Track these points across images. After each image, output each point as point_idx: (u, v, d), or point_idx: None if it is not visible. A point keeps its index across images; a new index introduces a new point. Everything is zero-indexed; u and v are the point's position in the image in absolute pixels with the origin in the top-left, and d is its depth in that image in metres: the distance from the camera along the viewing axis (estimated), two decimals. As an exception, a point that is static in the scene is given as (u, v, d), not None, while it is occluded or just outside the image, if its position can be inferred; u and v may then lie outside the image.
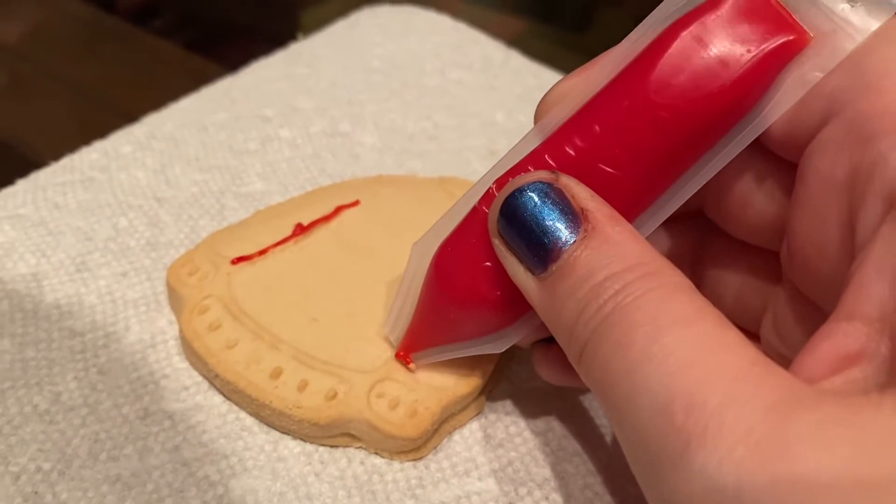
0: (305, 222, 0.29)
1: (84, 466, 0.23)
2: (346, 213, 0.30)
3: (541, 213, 0.19)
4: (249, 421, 0.25)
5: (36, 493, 0.22)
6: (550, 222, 0.19)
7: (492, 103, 0.41)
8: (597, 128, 0.20)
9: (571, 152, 0.20)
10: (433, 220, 0.29)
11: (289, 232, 0.29)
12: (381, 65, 0.43)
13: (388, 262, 0.28)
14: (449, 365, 0.25)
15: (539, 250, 0.19)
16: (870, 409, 0.15)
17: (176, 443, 0.24)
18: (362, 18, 0.46)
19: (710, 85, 0.19)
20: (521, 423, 0.26)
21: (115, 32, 0.51)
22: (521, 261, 0.20)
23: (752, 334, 0.23)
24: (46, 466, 0.23)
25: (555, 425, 0.26)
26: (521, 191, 0.19)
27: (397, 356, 0.25)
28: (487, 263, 0.21)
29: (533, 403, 0.26)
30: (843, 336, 0.17)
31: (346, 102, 0.39)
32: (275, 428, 0.25)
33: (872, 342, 0.16)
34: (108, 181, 0.32)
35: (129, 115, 0.36)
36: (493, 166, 0.22)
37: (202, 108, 0.37)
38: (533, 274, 0.19)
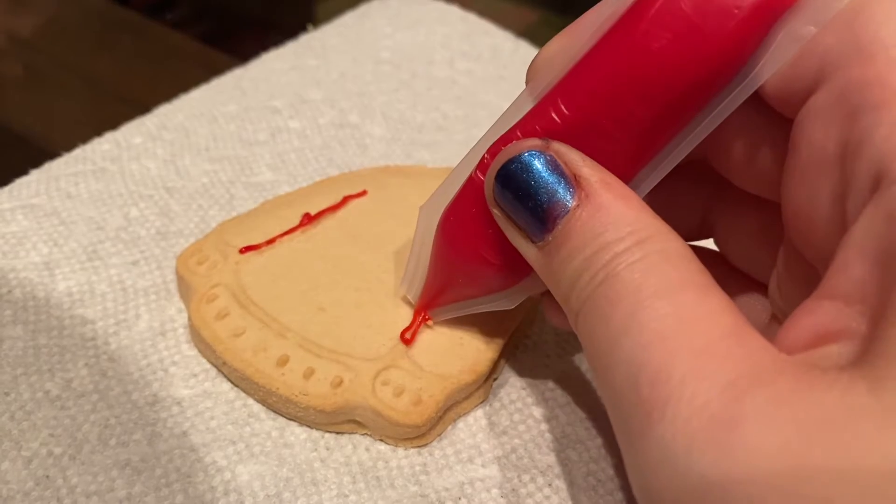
0: (313, 212, 0.29)
1: (94, 451, 0.23)
2: (353, 204, 0.30)
3: (534, 181, 0.19)
4: (256, 408, 0.25)
5: (47, 476, 0.23)
6: (544, 191, 0.19)
7: (501, 94, 0.41)
8: (584, 92, 0.19)
9: (558, 119, 0.20)
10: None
11: (297, 222, 0.29)
12: (391, 56, 0.43)
13: (395, 251, 0.28)
14: (454, 353, 0.25)
15: (535, 219, 0.19)
16: (822, 387, 0.15)
17: (184, 428, 0.24)
18: (372, 9, 0.46)
19: (700, 42, 0.18)
20: (524, 412, 0.26)
21: (129, 25, 0.51)
22: (519, 228, 0.20)
23: (764, 286, 0.23)
24: (58, 451, 0.23)
25: (558, 413, 0.26)
26: (513, 160, 0.20)
27: (416, 314, 0.26)
28: (489, 230, 0.21)
29: (537, 392, 0.27)
30: (824, 314, 0.17)
31: (355, 93, 0.40)
32: (281, 414, 0.25)
33: (853, 322, 0.16)
34: (120, 171, 0.33)
35: (142, 106, 0.37)
36: (488, 131, 0.21)
37: (213, 99, 0.38)
38: (532, 242, 0.20)
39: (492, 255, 0.22)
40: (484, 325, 0.26)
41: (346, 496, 0.23)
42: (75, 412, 0.24)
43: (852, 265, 0.16)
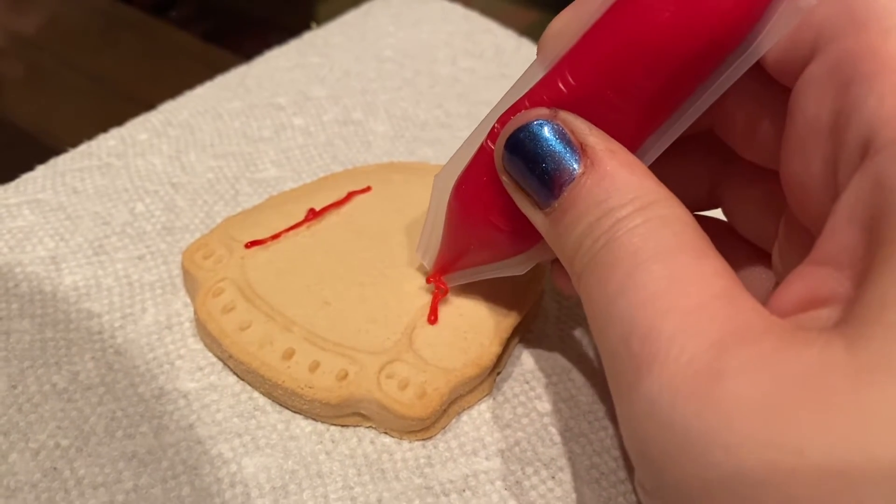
0: (318, 208, 0.29)
1: (101, 443, 0.23)
2: (357, 199, 0.30)
3: (541, 149, 0.20)
4: (262, 400, 0.25)
5: (55, 468, 0.23)
6: (551, 158, 0.20)
7: (503, 92, 0.41)
8: (589, 63, 0.20)
9: (565, 89, 0.20)
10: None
11: (301, 217, 0.29)
12: (394, 54, 0.43)
13: (399, 247, 0.28)
14: (458, 347, 0.25)
15: (542, 186, 0.20)
16: (802, 345, 0.16)
17: (190, 421, 0.24)
18: (375, 8, 0.47)
19: (702, 14, 0.18)
20: (528, 405, 0.26)
21: (132, 23, 0.51)
22: (527, 195, 0.21)
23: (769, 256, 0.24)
24: (65, 443, 0.23)
25: (561, 407, 0.26)
26: (521, 129, 0.20)
27: (430, 279, 0.26)
28: (500, 197, 0.22)
29: (540, 385, 0.27)
30: (814, 279, 0.17)
31: (358, 91, 0.40)
32: (287, 407, 0.25)
33: (841, 287, 0.17)
34: (125, 167, 0.33)
35: (147, 104, 0.37)
36: (499, 101, 0.22)
37: (217, 96, 0.38)
38: (539, 208, 0.20)
39: (502, 222, 0.23)
40: (488, 319, 0.26)
41: (352, 488, 0.23)
42: (82, 405, 0.24)
43: (841, 231, 0.17)
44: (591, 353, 0.28)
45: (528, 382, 0.27)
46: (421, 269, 0.27)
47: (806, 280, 0.17)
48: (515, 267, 0.24)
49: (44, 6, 0.52)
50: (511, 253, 0.24)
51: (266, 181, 0.34)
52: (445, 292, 0.26)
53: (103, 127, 0.35)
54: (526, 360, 0.28)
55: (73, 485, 0.22)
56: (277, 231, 0.28)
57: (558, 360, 0.28)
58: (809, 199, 0.19)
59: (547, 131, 0.20)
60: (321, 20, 0.46)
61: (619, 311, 0.18)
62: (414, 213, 0.30)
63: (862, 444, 0.14)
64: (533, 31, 0.47)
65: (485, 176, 0.22)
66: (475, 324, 0.26)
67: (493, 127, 0.22)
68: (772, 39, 0.19)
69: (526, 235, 0.22)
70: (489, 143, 0.22)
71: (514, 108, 0.21)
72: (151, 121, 0.36)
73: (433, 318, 0.26)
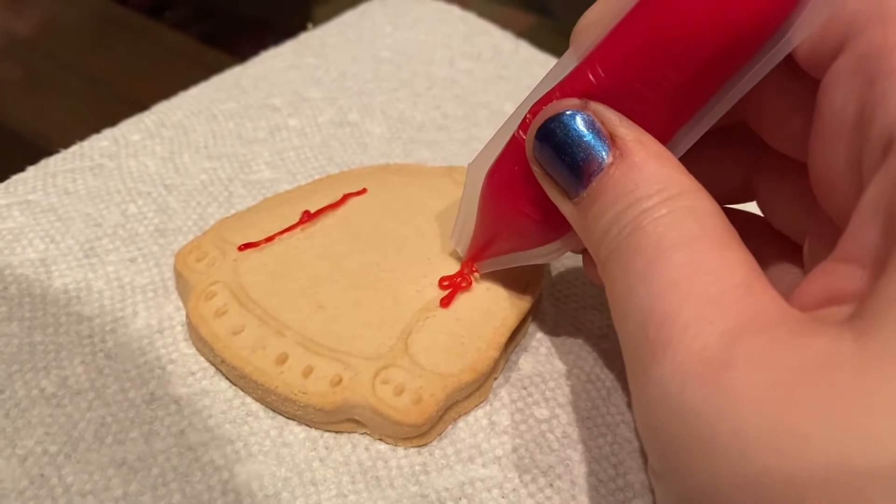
0: (313, 210, 0.29)
1: (90, 450, 0.23)
2: (353, 201, 0.30)
3: (571, 139, 0.20)
4: (255, 406, 0.25)
5: (42, 475, 0.22)
6: (580, 148, 0.20)
7: (501, 93, 0.41)
8: (619, 55, 0.20)
9: (595, 81, 0.20)
10: (441, 209, 0.30)
11: (296, 219, 0.29)
12: (391, 55, 0.43)
13: (395, 249, 0.28)
14: (454, 352, 0.25)
15: (571, 175, 0.20)
16: (813, 336, 0.16)
17: (182, 427, 0.24)
18: (372, 9, 0.46)
19: (731, 8, 0.19)
20: (525, 411, 0.26)
21: (128, 24, 0.51)
22: (557, 184, 0.21)
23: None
24: (53, 449, 0.23)
25: (559, 413, 0.26)
26: (552, 118, 0.20)
27: (464, 265, 0.27)
28: (530, 186, 0.22)
29: (538, 391, 0.26)
30: (837, 275, 0.18)
31: (354, 92, 0.39)
32: (280, 413, 0.25)
33: (863, 284, 0.17)
34: (118, 168, 0.33)
35: (142, 106, 0.37)
36: (532, 91, 0.22)
37: (211, 97, 0.37)
38: (568, 197, 0.21)
39: (532, 211, 0.23)
40: (485, 323, 0.26)
41: (346, 496, 0.23)
42: (71, 410, 0.24)
43: (864, 228, 0.17)
44: (589, 359, 0.28)
45: (525, 388, 0.26)
46: (424, 269, 0.27)
47: (828, 276, 0.18)
48: (546, 255, 0.25)
49: (39, 7, 0.52)
50: (541, 241, 0.24)
51: (260, 183, 0.33)
52: (469, 285, 0.27)
53: (97, 129, 0.35)
54: (523, 366, 0.27)
55: (60, 492, 0.22)
56: (271, 233, 0.28)
57: (556, 365, 0.27)
58: (835, 195, 0.19)
59: (577, 121, 0.20)
60: (318, 22, 0.45)
61: (639, 298, 0.18)
62: (411, 215, 0.29)
63: (867, 434, 0.14)
64: (531, 35, 0.47)
65: (516, 165, 0.23)
66: (472, 328, 0.26)
67: (525, 117, 0.22)
68: (803, 32, 0.19)
69: (556, 224, 0.23)
70: (521, 133, 0.22)
71: (546, 99, 0.21)
72: (144, 121, 0.35)
73: (446, 302, 0.26)
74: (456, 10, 0.47)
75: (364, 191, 0.30)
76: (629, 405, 0.26)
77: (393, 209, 0.30)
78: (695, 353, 0.16)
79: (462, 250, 0.27)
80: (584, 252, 0.25)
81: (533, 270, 0.28)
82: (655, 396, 0.17)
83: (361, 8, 0.46)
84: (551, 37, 0.51)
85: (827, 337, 0.16)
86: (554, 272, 0.31)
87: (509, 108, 0.39)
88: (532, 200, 0.23)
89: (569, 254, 0.25)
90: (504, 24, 0.47)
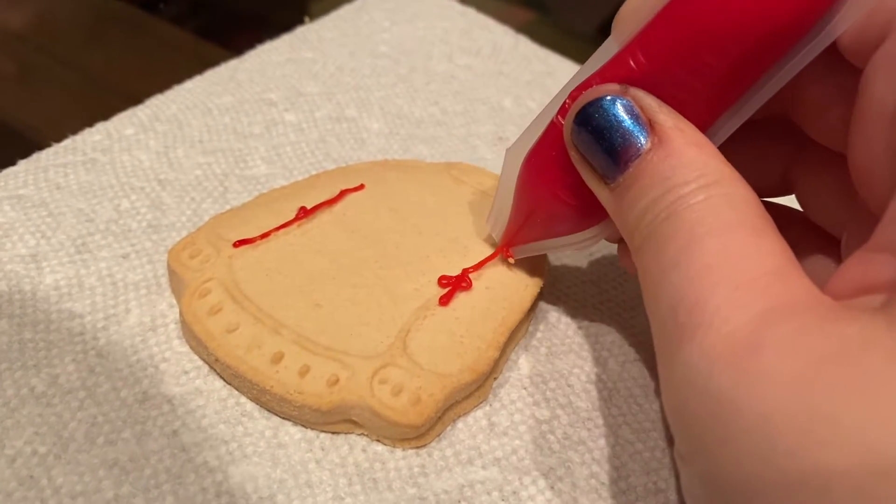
0: (309, 206, 0.28)
1: (81, 450, 0.22)
2: (350, 198, 0.29)
3: (610, 124, 0.20)
4: (250, 406, 0.24)
5: (31, 476, 0.22)
6: (619, 133, 0.20)
7: (500, 89, 0.40)
8: (660, 42, 0.20)
9: (636, 67, 0.20)
10: (439, 205, 0.29)
11: (292, 215, 0.28)
12: (389, 50, 0.42)
13: (393, 246, 0.27)
14: (454, 352, 0.24)
15: (609, 160, 0.20)
16: (844, 323, 0.16)
17: (175, 427, 0.23)
18: (369, 3, 0.46)
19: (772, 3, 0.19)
20: (525, 412, 0.25)
21: (123, 18, 0.50)
22: (594, 170, 0.21)
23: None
24: (42, 450, 0.22)
25: (560, 414, 0.25)
26: (591, 103, 0.21)
27: (499, 250, 0.27)
28: (567, 172, 0.22)
29: (538, 391, 0.26)
30: (872, 264, 0.18)
31: (352, 87, 0.39)
32: (275, 414, 0.24)
33: None
34: (111, 163, 0.32)
35: (137, 101, 0.36)
36: (572, 77, 0.22)
37: (207, 91, 0.37)
38: (605, 183, 0.21)
39: (569, 196, 0.23)
40: (485, 322, 0.25)
41: (342, 499, 0.22)
42: (61, 409, 0.23)
43: None
44: (590, 359, 0.27)
45: (525, 388, 0.26)
46: (422, 267, 0.27)
47: (863, 265, 0.18)
48: (581, 242, 0.25)
49: (32, 1, 0.51)
50: (577, 228, 0.24)
51: (256, 178, 0.33)
52: (469, 285, 0.26)
53: (91, 123, 0.34)
54: (524, 365, 0.27)
55: (50, 494, 0.21)
56: (267, 230, 0.27)
57: (557, 365, 0.27)
58: (874, 184, 0.19)
59: (616, 107, 0.20)
60: (315, 16, 0.45)
61: (671, 283, 0.18)
62: (409, 211, 0.29)
63: None
64: (531, 31, 0.46)
65: (554, 150, 0.23)
66: (471, 327, 0.25)
67: (565, 102, 0.22)
68: (846, 22, 0.19)
69: (592, 211, 0.23)
70: (559, 119, 0.22)
71: (586, 84, 0.21)
72: (138, 115, 0.35)
73: (445, 300, 0.26)
74: (455, 5, 0.47)
75: (361, 187, 0.30)
76: (631, 406, 0.26)
77: (391, 206, 0.29)
78: (724, 337, 0.16)
79: (497, 235, 0.27)
80: (620, 241, 0.25)
81: (533, 269, 0.28)
82: (683, 378, 0.17)
83: (359, 2, 0.46)
84: (551, 32, 0.51)
85: (859, 324, 0.15)
86: (555, 271, 0.31)
87: (509, 105, 0.39)
88: (569, 186, 0.23)
89: (570, 252, 0.25)
90: (503, 19, 0.47)
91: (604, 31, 0.22)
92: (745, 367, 0.16)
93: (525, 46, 0.44)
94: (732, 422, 0.16)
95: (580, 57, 0.22)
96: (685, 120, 0.20)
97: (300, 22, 0.44)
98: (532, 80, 0.41)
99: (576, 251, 0.25)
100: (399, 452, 0.24)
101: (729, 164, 0.19)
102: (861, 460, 0.14)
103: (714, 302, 0.17)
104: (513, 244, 0.27)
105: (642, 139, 0.20)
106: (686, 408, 0.17)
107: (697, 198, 0.18)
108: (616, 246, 0.26)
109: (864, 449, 0.14)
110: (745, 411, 0.16)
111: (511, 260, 0.27)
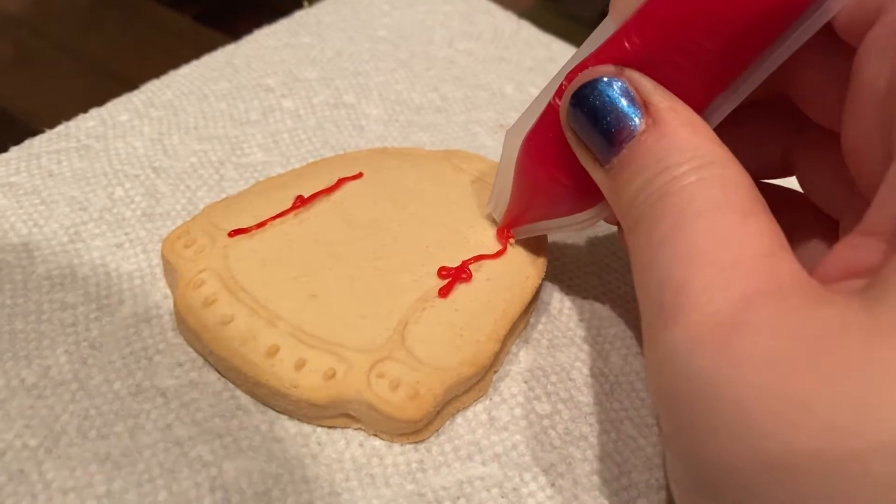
0: (306, 194, 0.28)
1: (72, 444, 0.22)
2: (348, 186, 0.29)
3: (605, 106, 0.20)
4: (245, 399, 0.24)
5: (21, 471, 0.21)
6: (613, 115, 0.20)
7: (501, 75, 0.40)
8: (654, 24, 0.20)
9: (630, 49, 0.20)
10: (439, 194, 0.29)
11: (289, 204, 0.28)
12: (388, 34, 0.41)
13: (392, 236, 0.27)
14: (453, 345, 0.24)
15: (604, 141, 0.20)
16: (824, 304, 0.16)
17: (168, 421, 0.23)
18: (370, -13, 0.45)
19: None
20: (526, 406, 0.25)
21: (121, 2, 0.50)
22: (589, 151, 0.21)
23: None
24: (33, 443, 0.22)
25: (561, 408, 0.25)
26: (587, 85, 0.21)
27: (500, 231, 0.27)
28: (564, 154, 0.23)
29: (539, 385, 0.25)
30: (861, 248, 0.17)
31: (351, 73, 0.38)
32: (271, 407, 0.24)
33: (884, 257, 0.17)
34: (105, 150, 0.32)
35: (134, 86, 0.36)
36: (569, 59, 0.22)
37: (203, 77, 0.36)
38: (600, 164, 0.21)
39: (566, 178, 0.23)
40: (485, 314, 0.25)
41: (339, 494, 0.22)
42: (53, 402, 0.23)
43: (889, 201, 0.17)
44: (592, 352, 0.27)
45: (526, 382, 0.26)
46: (421, 258, 0.26)
47: (852, 249, 0.18)
48: (580, 223, 0.25)
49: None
50: (574, 209, 0.24)
51: (252, 166, 0.32)
52: (469, 277, 0.26)
53: (87, 108, 0.34)
54: (524, 359, 0.26)
55: (41, 489, 0.21)
56: (263, 219, 0.27)
57: (559, 358, 0.26)
58: (866, 166, 0.19)
59: (611, 88, 0.20)
60: (313, 1, 0.44)
61: (659, 263, 0.18)
62: (408, 200, 0.28)
63: (870, 406, 0.14)
64: (533, 15, 0.45)
65: (551, 132, 0.23)
66: (471, 320, 0.25)
67: (561, 84, 0.22)
68: (840, 2, 0.19)
69: (589, 192, 0.23)
70: (556, 100, 0.22)
71: (582, 66, 0.21)
72: (133, 101, 0.34)
73: (445, 292, 0.25)
74: (456, -11, 0.46)
75: (360, 175, 0.29)
76: (634, 400, 0.25)
77: (389, 194, 0.29)
78: (707, 318, 0.16)
79: (498, 216, 0.27)
80: (619, 223, 0.24)
81: (534, 260, 0.27)
82: (664, 358, 0.17)
83: (358, -14, 0.45)
84: (554, 17, 0.50)
85: (837, 306, 0.16)
86: (557, 262, 0.30)
87: (510, 91, 0.38)
88: (566, 168, 0.23)
89: (571, 242, 0.24)
90: (506, 3, 0.46)
91: (606, 16, 0.22)
92: (724, 348, 0.16)
93: (527, 31, 0.43)
94: (711, 402, 0.16)
95: (583, 42, 0.22)
96: (680, 101, 0.20)
97: (299, 6, 0.43)
98: (534, 67, 0.41)
99: (576, 231, 0.25)
100: (397, 447, 0.23)
101: (723, 146, 0.19)
102: (830, 443, 0.14)
103: (699, 283, 0.17)
104: (514, 225, 0.27)
105: (636, 120, 0.20)
106: (668, 388, 0.17)
107: (689, 179, 0.18)
108: (617, 232, 0.26)
109: (834, 432, 0.14)
110: (723, 392, 0.16)
111: (512, 240, 0.27)
